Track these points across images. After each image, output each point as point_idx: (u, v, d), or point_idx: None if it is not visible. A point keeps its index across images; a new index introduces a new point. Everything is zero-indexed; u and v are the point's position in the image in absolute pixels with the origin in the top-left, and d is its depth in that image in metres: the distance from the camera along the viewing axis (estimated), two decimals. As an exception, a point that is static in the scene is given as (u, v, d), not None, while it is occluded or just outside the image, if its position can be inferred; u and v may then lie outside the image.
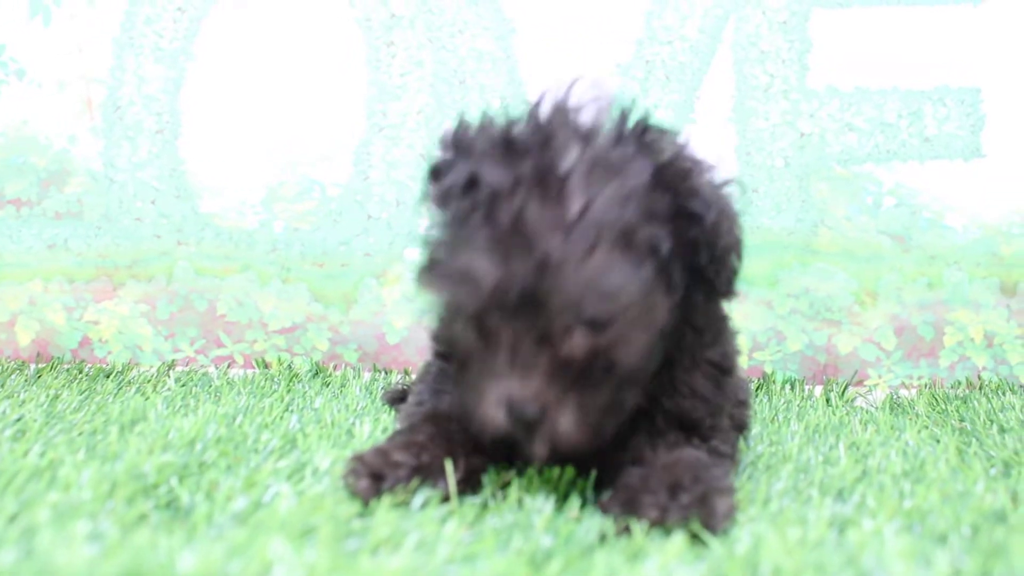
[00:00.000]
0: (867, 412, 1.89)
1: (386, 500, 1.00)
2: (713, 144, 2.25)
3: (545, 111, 1.04)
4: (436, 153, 1.11)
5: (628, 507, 0.96)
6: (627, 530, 0.92)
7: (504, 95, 2.26)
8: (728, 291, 1.12)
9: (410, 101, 2.28)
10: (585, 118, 1.02)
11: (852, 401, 2.08)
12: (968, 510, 1.06)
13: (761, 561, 0.80)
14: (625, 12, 2.25)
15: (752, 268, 2.24)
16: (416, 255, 1.17)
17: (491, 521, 0.98)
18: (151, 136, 2.31)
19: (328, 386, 2.03)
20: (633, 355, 1.00)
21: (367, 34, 2.28)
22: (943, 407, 1.94)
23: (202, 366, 2.30)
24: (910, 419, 1.80)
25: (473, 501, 1.05)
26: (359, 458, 1.07)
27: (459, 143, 1.07)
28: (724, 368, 1.21)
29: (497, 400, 0.99)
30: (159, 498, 1.02)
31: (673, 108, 2.25)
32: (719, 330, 1.23)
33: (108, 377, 2.08)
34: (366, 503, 1.02)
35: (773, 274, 2.25)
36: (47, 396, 1.74)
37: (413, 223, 2.25)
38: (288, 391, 1.93)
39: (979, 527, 0.99)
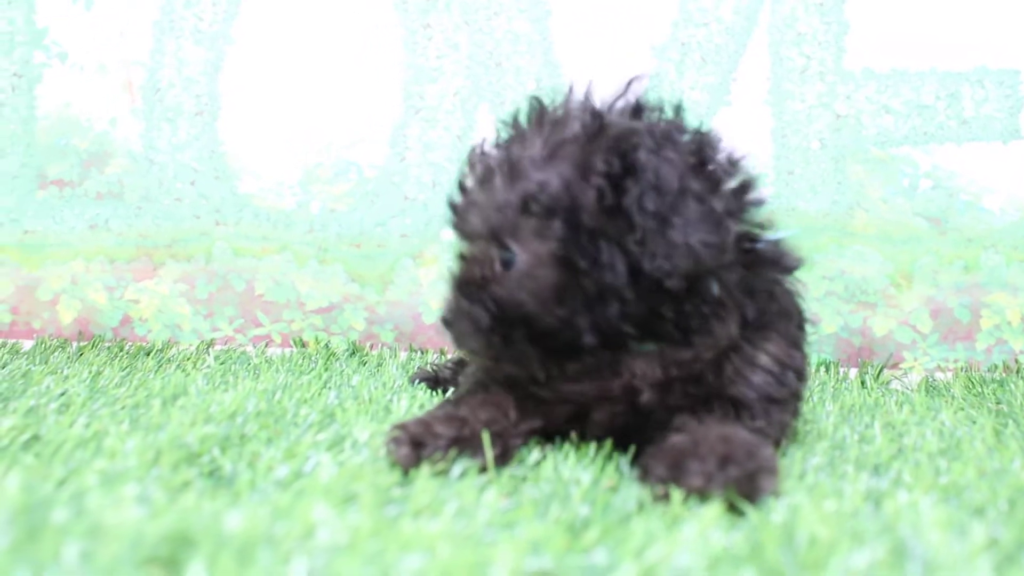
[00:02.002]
0: (902, 394, 1.89)
1: (425, 470, 1.02)
2: (749, 126, 2.24)
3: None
4: None
5: (674, 470, 0.96)
6: (666, 497, 0.93)
7: (539, 77, 2.27)
8: (657, 269, 1.07)
9: (446, 83, 2.29)
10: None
11: (887, 384, 2.07)
12: (1005, 486, 1.06)
13: (797, 530, 0.81)
14: (661, -7, 2.25)
15: (787, 250, 2.23)
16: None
17: (529, 491, 0.99)
18: (191, 118, 2.34)
19: (365, 365, 2.05)
20: (520, 289, 1.13)
21: (404, 17, 2.30)
22: (979, 390, 1.93)
23: (240, 345, 2.33)
24: (946, 401, 1.79)
25: (512, 473, 1.07)
26: (401, 427, 1.10)
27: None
28: (786, 365, 1.21)
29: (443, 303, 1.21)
30: (202, 467, 1.04)
31: (709, 90, 2.25)
32: (768, 322, 1.21)
33: (148, 355, 2.11)
34: (406, 471, 1.04)
35: (808, 256, 2.22)
36: (90, 372, 1.77)
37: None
38: (326, 369, 1.95)
39: (1016, 501, 0.99)
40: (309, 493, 0.91)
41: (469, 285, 1.16)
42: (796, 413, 1.28)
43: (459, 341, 1.18)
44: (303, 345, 2.29)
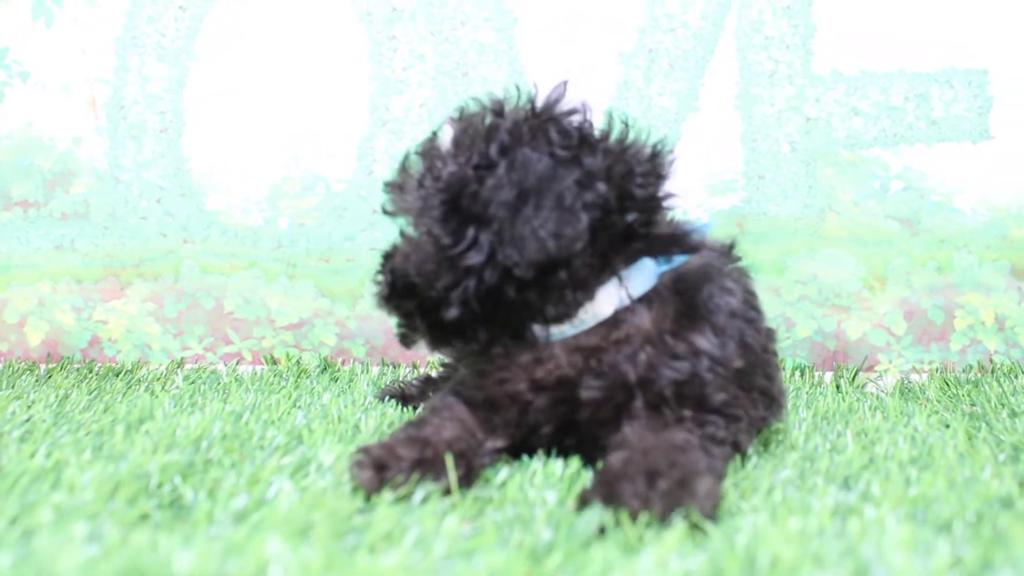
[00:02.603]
0: (877, 398, 1.88)
1: (388, 495, 1.00)
2: (718, 131, 2.24)
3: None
4: None
5: (609, 498, 0.95)
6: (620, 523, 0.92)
7: (507, 86, 2.25)
8: (507, 258, 1.13)
9: (413, 95, 2.28)
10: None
11: (863, 387, 2.07)
12: (974, 497, 1.05)
13: (759, 552, 0.80)
14: (627, 0, 2.24)
15: (759, 254, 2.23)
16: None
17: (493, 515, 0.98)
18: (155, 135, 2.32)
19: (336, 381, 2.04)
20: (396, 261, 1.28)
21: (369, 29, 2.28)
22: (954, 391, 1.93)
23: (211, 363, 2.31)
24: (920, 404, 1.79)
25: (477, 495, 1.06)
26: (364, 450, 1.10)
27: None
28: (710, 356, 1.20)
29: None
30: (162, 497, 1.02)
31: (677, 96, 2.24)
32: (698, 312, 1.21)
33: (118, 376, 2.09)
34: (370, 495, 1.03)
35: (781, 260, 2.24)
36: (56, 396, 1.74)
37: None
38: (296, 387, 1.93)
39: (983, 514, 0.99)
40: (266, 525, 0.89)
41: (383, 257, 1.33)
42: (755, 407, 1.27)
43: (376, 304, 1.32)
44: (274, 362, 2.27)
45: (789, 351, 2.25)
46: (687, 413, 1.16)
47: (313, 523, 0.89)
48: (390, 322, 2.24)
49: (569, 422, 1.20)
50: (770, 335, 1.42)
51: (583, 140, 1.19)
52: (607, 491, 0.96)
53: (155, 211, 2.32)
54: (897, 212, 2.22)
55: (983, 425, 1.56)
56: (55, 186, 2.33)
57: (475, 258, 1.16)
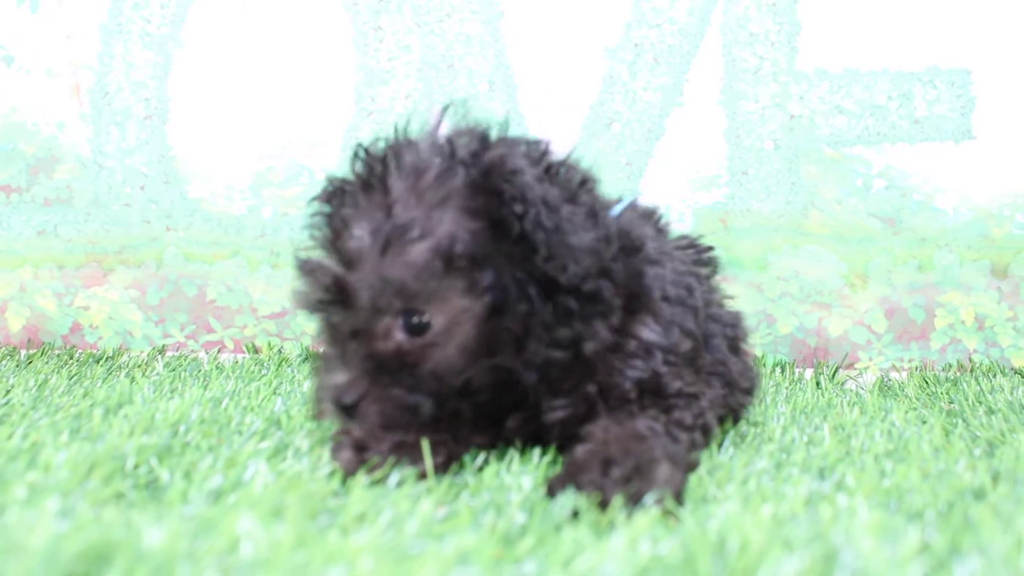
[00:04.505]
0: (856, 394, 1.89)
1: (363, 479, 1.01)
2: (702, 127, 2.25)
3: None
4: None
5: (572, 487, 0.96)
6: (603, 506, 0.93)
7: (492, 79, 2.26)
8: (573, 277, 1.08)
9: (398, 86, 2.28)
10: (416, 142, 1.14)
11: (842, 384, 2.08)
12: (946, 488, 1.06)
13: (730, 537, 0.81)
14: (614, -6, 2.25)
15: (741, 251, 2.24)
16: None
17: (468, 500, 0.99)
18: (139, 122, 2.31)
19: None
20: (446, 356, 1.09)
21: (355, 19, 2.28)
22: (933, 389, 1.94)
23: (192, 351, 2.31)
24: (898, 401, 1.80)
25: (453, 481, 1.06)
26: (345, 432, 1.11)
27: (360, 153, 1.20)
28: (662, 348, 1.21)
29: (325, 389, 1.12)
30: (138, 478, 1.03)
31: (662, 91, 2.25)
32: (638, 304, 1.21)
33: (98, 362, 2.08)
34: (349, 475, 1.04)
35: (763, 257, 2.25)
36: (36, 381, 1.74)
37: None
38: (277, 375, 1.93)
39: (954, 504, 0.99)
40: (240, 505, 0.89)
41: (385, 364, 1.09)
42: (714, 394, 1.28)
43: (386, 426, 1.10)
44: (256, 351, 2.27)
45: (770, 347, 2.26)
46: (647, 401, 1.17)
47: (287, 504, 0.89)
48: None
49: (540, 435, 1.20)
50: (736, 318, 1.46)
51: (545, 154, 1.16)
52: (568, 480, 0.97)
53: (138, 198, 2.32)
54: (879, 210, 2.23)
55: (960, 421, 1.57)
56: (38, 172, 2.33)
57: (538, 304, 1.10)
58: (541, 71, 2.26)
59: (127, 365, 2.05)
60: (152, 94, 2.31)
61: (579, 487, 0.95)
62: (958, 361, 2.24)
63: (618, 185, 2.21)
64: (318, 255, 1.13)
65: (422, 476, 1.06)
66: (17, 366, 2.00)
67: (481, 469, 1.11)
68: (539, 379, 1.14)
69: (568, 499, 0.93)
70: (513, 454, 1.17)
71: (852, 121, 2.23)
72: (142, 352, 2.27)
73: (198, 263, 2.32)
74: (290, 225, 2.30)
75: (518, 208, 1.06)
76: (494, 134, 1.14)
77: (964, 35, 2.20)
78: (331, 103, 2.29)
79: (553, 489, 0.98)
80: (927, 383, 2.03)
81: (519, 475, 1.07)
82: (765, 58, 2.23)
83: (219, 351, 2.29)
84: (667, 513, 0.92)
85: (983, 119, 2.21)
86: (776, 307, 2.25)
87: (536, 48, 2.25)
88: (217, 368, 2.00)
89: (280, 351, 2.26)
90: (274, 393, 1.66)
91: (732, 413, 1.40)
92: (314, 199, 1.20)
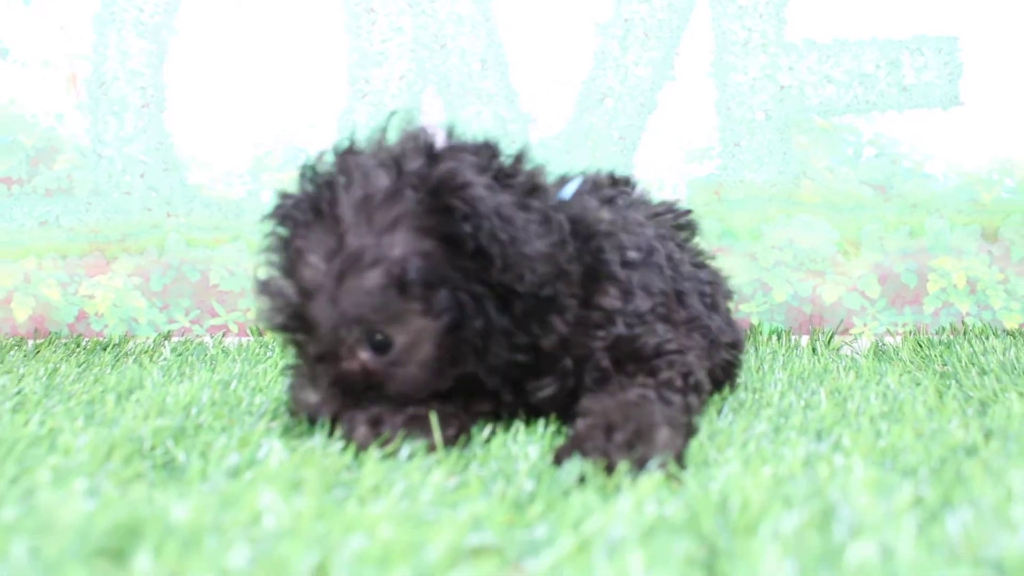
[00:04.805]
0: (852, 359, 1.93)
1: (375, 453, 1.04)
2: (693, 100, 2.27)
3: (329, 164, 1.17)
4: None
5: (578, 455, 1.00)
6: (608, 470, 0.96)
7: (484, 58, 2.28)
8: (531, 285, 1.11)
9: (391, 67, 2.30)
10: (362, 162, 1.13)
11: (838, 350, 2.11)
12: (939, 445, 1.10)
13: (731, 497, 0.84)
14: (603, -29, 2.27)
15: (735, 221, 2.27)
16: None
17: (477, 470, 1.02)
18: (137, 111, 2.33)
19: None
20: (410, 373, 1.13)
21: (347, 1, 2.29)
22: (927, 352, 1.98)
23: (197, 336, 2.34)
24: (893, 365, 1.83)
25: (461, 452, 1.10)
26: (357, 407, 1.14)
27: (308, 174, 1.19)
28: (625, 313, 1.24)
29: (301, 403, 1.17)
30: (155, 459, 1.06)
31: (652, 65, 2.27)
32: (604, 277, 1.24)
33: (105, 350, 2.11)
34: (362, 449, 1.08)
35: (757, 227, 2.28)
36: (46, 370, 1.77)
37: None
38: (282, 357, 1.95)
39: (947, 459, 1.03)
40: (258, 481, 0.93)
41: (353, 384, 1.13)
42: (696, 356, 1.30)
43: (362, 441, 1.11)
44: (260, 334, 2.29)
45: (766, 316, 2.29)
46: (630, 368, 1.21)
47: (304, 478, 0.93)
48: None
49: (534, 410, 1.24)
50: (714, 276, 1.52)
51: (493, 158, 1.17)
52: (574, 449, 1.01)
53: (138, 186, 2.34)
54: (870, 178, 2.26)
55: (953, 383, 1.61)
56: (38, 163, 2.35)
57: (496, 317, 1.13)
58: (533, 49, 2.28)
59: (134, 351, 2.08)
60: (148, 82, 2.32)
61: (584, 454, 0.99)
62: (951, 324, 2.28)
63: (612, 159, 2.24)
64: (276, 277, 1.15)
65: (431, 448, 1.09)
66: (25, 356, 2.02)
67: (488, 440, 1.15)
68: (502, 379, 1.18)
69: (575, 466, 0.96)
70: (518, 425, 1.20)
71: (841, 90, 2.25)
72: (148, 338, 2.30)
73: (200, 248, 2.34)
74: (289, 208, 2.32)
75: (469, 226, 1.07)
76: (440, 140, 1.16)
77: (950, 2, 2.22)
78: (326, 86, 2.31)
79: (560, 457, 1.01)
80: (921, 346, 2.06)
81: (525, 445, 1.11)
82: (754, 30, 2.25)
83: (224, 335, 2.32)
84: (670, 476, 0.95)
85: (970, 85, 2.24)
86: (771, 276, 2.28)
87: (527, 26, 2.28)
88: (223, 352, 2.03)
89: (284, 333, 2.29)
90: (281, 374, 1.69)
91: (721, 370, 1.44)
92: (267, 217, 1.20)
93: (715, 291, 1.50)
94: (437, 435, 1.10)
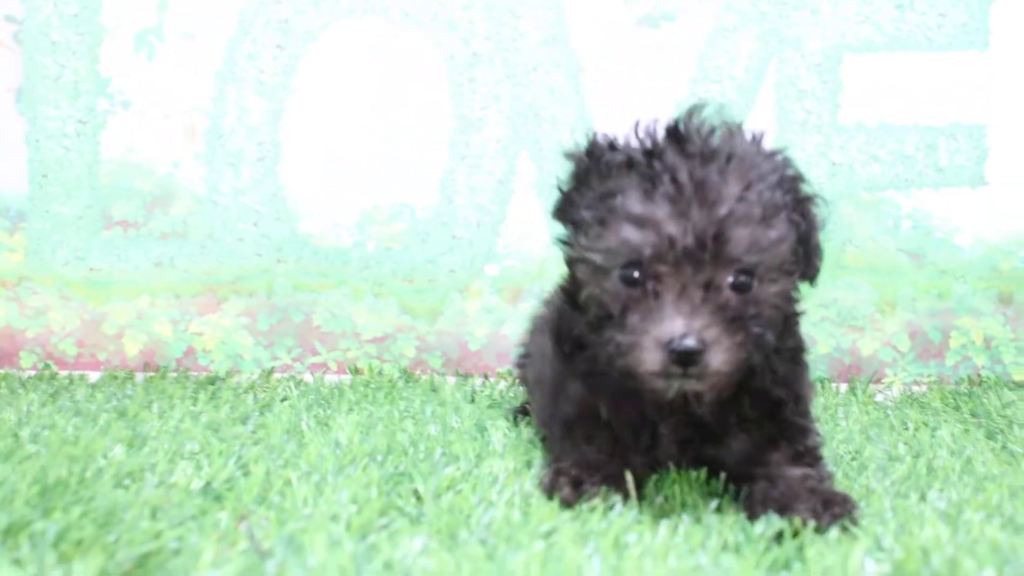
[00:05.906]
0: (898, 411, 2.16)
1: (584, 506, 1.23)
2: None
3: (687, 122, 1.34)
4: (581, 148, 1.38)
5: (783, 511, 1.20)
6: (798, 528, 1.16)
7: (574, 127, 2.51)
8: (816, 274, 1.42)
9: (489, 132, 2.52)
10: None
11: (872, 397, 2.35)
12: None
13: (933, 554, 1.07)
14: (680, 54, 2.52)
15: (789, 282, 2.52)
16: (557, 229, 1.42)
17: (680, 524, 1.22)
18: (253, 163, 2.52)
19: (414, 388, 2.25)
20: (776, 304, 1.29)
21: (451, 71, 2.51)
22: (952, 401, 2.23)
23: (299, 372, 2.52)
24: (932, 416, 2.07)
25: (649, 503, 1.29)
26: (558, 471, 1.32)
27: (608, 142, 1.35)
28: (799, 353, 1.48)
29: (656, 340, 1.17)
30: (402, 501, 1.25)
31: (723, 141, 2.52)
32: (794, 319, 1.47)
33: (212, 384, 2.26)
34: (569, 506, 1.25)
35: (806, 287, 2.52)
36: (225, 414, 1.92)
37: (492, 242, 2.50)
38: (389, 398, 2.09)
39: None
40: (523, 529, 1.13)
41: (736, 315, 1.20)
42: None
43: (707, 364, 1.17)
44: (357, 372, 2.48)
45: (812, 365, 2.54)
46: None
47: (588, 532, 1.13)
48: (465, 336, 2.52)
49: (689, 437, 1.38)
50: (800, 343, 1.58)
51: None
52: (780, 508, 1.22)
53: (251, 233, 2.52)
54: (907, 246, 2.54)
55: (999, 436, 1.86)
56: (154, 207, 2.51)
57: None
58: (618, 120, 2.50)
59: (240, 386, 2.23)
60: (265, 138, 2.51)
61: (794, 513, 1.19)
62: (968, 376, 2.56)
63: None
64: (650, 208, 1.19)
65: (625, 498, 1.27)
66: (172, 397, 2.16)
67: (662, 493, 1.35)
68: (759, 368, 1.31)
69: (765, 522, 1.17)
70: (674, 476, 1.41)
71: (885, 169, 2.53)
72: (252, 374, 2.48)
73: (306, 292, 2.53)
74: (392, 258, 2.53)
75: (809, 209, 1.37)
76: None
77: (980, 94, 2.52)
78: (429, 147, 2.53)
79: (756, 514, 1.22)
80: (946, 396, 2.31)
81: (702, 496, 1.32)
82: (812, 112, 2.52)
83: (324, 373, 2.51)
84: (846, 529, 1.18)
85: (995, 168, 2.53)
86: (817, 330, 2.54)
87: (613, 99, 2.52)
88: (337, 390, 2.17)
89: (380, 372, 2.48)
90: (409, 418, 1.86)
91: None
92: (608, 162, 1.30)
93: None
94: (632, 490, 1.28)
